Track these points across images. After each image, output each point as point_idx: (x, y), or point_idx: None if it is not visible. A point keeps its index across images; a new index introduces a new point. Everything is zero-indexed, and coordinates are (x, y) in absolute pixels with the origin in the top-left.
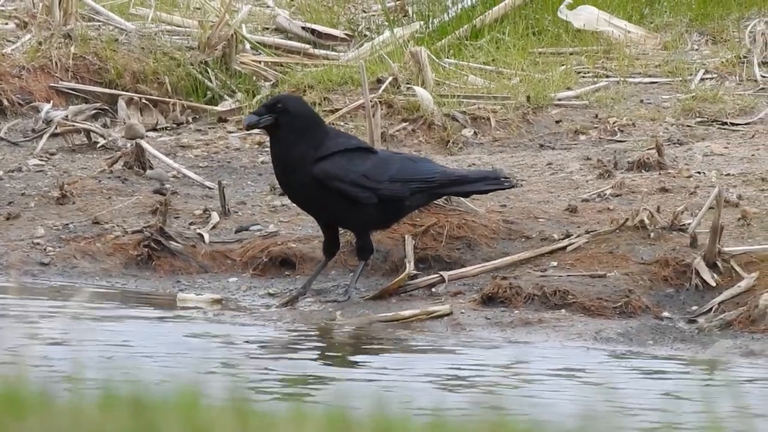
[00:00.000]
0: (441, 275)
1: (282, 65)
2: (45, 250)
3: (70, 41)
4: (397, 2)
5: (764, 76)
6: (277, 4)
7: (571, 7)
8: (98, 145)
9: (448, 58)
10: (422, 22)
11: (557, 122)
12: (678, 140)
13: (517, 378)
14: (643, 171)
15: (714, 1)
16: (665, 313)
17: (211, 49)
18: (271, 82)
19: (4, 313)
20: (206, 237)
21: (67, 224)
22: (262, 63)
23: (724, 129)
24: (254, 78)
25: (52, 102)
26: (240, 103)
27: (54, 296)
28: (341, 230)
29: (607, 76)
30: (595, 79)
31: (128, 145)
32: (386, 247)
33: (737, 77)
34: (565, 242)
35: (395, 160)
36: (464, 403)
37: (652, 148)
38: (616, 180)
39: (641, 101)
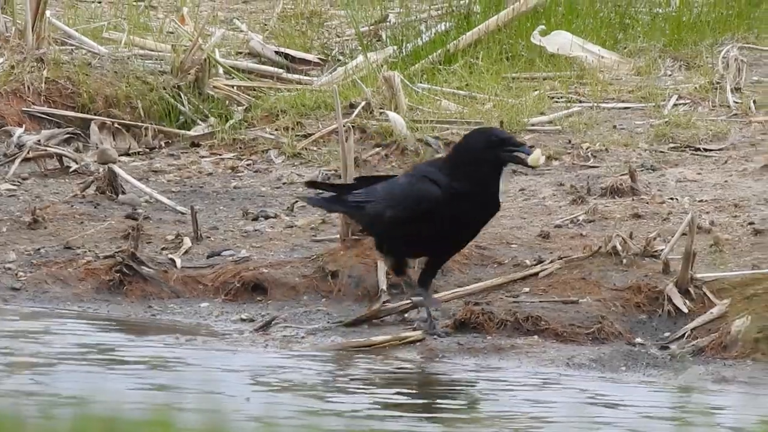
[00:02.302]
0: (413, 301)
1: (255, 90)
2: (16, 275)
3: (43, 65)
4: (371, 27)
5: (737, 102)
6: (250, 28)
7: (544, 32)
8: (70, 170)
9: (421, 82)
10: (396, 47)
11: (530, 147)
12: (651, 166)
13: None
14: (616, 197)
15: (687, 26)
16: (638, 339)
17: (184, 74)
18: (244, 107)
19: None
20: (178, 262)
21: (39, 249)
22: (235, 87)
23: (697, 155)
24: (227, 102)
25: (24, 126)
26: (213, 128)
27: (27, 319)
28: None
29: (581, 102)
30: (569, 105)
31: (100, 169)
32: (359, 273)
33: (710, 103)
34: (538, 268)
35: None
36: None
37: (625, 174)
38: (589, 206)
39: (614, 127)
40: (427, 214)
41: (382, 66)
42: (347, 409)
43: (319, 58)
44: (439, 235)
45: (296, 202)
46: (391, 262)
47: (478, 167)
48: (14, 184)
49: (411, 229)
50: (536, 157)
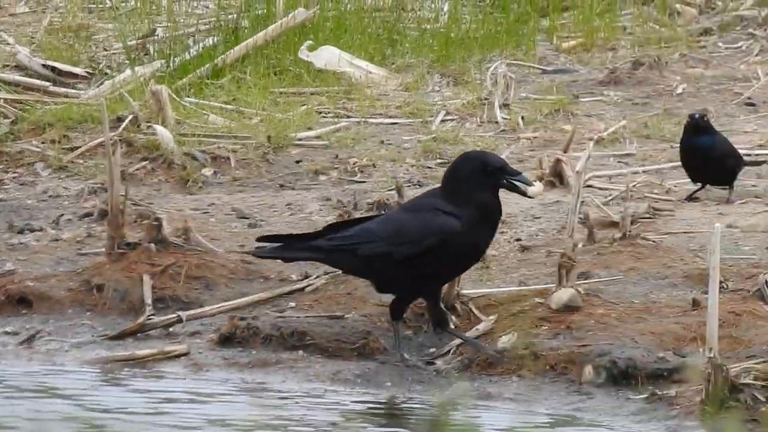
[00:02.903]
0: (179, 315)
1: (22, 102)
2: None
3: None
4: (139, 41)
5: (505, 118)
6: (17, 41)
7: (312, 47)
8: None
9: (189, 97)
10: (163, 61)
11: (297, 162)
12: (418, 181)
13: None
14: (383, 212)
15: (456, 43)
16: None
17: None
18: (11, 120)
19: None
20: None
21: None
22: (2, 100)
23: None
24: None
25: None
26: None
27: None
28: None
29: (348, 117)
30: (336, 120)
31: None
32: (124, 287)
33: (478, 119)
34: (304, 283)
35: None
36: None
37: (393, 189)
38: None
39: (382, 142)
40: (444, 247)
41: (149, 80)
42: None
43: (87, 72)
44: (452, 265)
45: (62, 215)
46: (396, 304)
47: (477, 194)
48: None
49: (424, 264)
50: (537, 190)
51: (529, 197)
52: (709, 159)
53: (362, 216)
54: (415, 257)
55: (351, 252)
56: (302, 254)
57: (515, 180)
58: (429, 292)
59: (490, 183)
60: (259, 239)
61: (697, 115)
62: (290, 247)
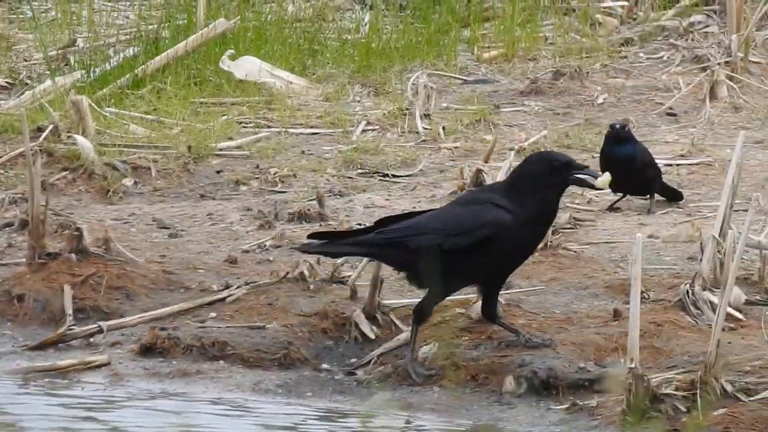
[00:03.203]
0: (99, 325)
1: None
2: None
3: None
4: (59, 51)
5: (426, 128)
6: None
7: (233, 57)
8: None
9: (109, 107)
10: (84, 71)
11: (218, 172)
12: (339, 192)
13: None
14: (304, 222)
15: (377, 53)
16: (324, 365)
17: None
18: None
19: None
20: None
21: None
22: None
23: (386, 181)
24: None
25: None
26: None
27: None
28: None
29: (269, 127)
30: (257, 130)
31: None
32: (44, 297)
33: (399, 129)
34: (225, 293)
35: None
36: None
37: (313, 200)
38: (276, 231)
39: (303, 152)
40: (494, 240)
41: (70, 90)
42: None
43: (7, 82)
44: (500, 261)
45: None
46: (429, 300)
47: (542, 191)
48: None
49: (472, 256)
50: (605, 180)
51: (599, 189)
52: (629, 169)
53: (413, 210)
54: (464, 249)
55: (401, 245)
56: (350, 249)
57: (582, 174)
58: (480, 286)
59: (557, 180)
60: (310, 236)
61: (618, 125)
62: (337, 242)
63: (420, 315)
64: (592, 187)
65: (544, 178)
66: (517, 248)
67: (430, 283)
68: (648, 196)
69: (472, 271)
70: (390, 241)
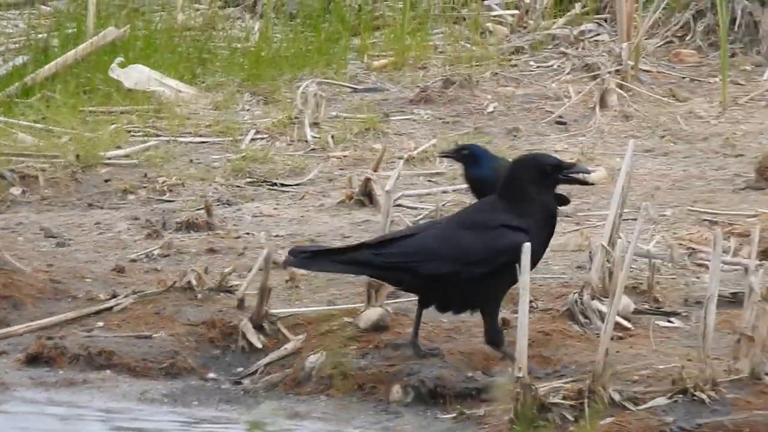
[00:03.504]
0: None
1: None
2: None
3: None
4: None
5: (315, 137)
6: None
7: (123, 65)
8: None
9: None
10: None
11: (106, 181)
12: (227, 201)
13: None
14: (191, 231)
15: (266, 61)
16: (211, 375)
17: None
18: None
19: None
20: None
21: None
22: None
23: (274, 190)
24: None
25: None
26: None
27: None
28: None
29: (158, 136)
30: (146, 139)
31: None
32: None
33: (288, 138)
34: (112, 302)
35: None
36: None
37: (201, 209)
38: (164, 240)
39: (191, 161)
40: (515, 262)
41: None
42: None
43: None
44: (513, 281)
45: None
46: (493, 320)
47: (539, 197)
48: None
49: (492, 282)
50: (599, 176)
51: (591, 184)
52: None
53: (402, 231)
54: (486, 276)
55: (409, 270)
56: (344, 268)
57: (572, 173)
58: (487, 309)
59: (549, 182)
60: (292, 252)
61: (464, 147)
62: (328, 259)
63: (499, 338)
64: (586, 183)
65: (537, 182)
66: (533, 261)
67: (486, 305)
68: None
69: (488, 293)
70: (394, 266)
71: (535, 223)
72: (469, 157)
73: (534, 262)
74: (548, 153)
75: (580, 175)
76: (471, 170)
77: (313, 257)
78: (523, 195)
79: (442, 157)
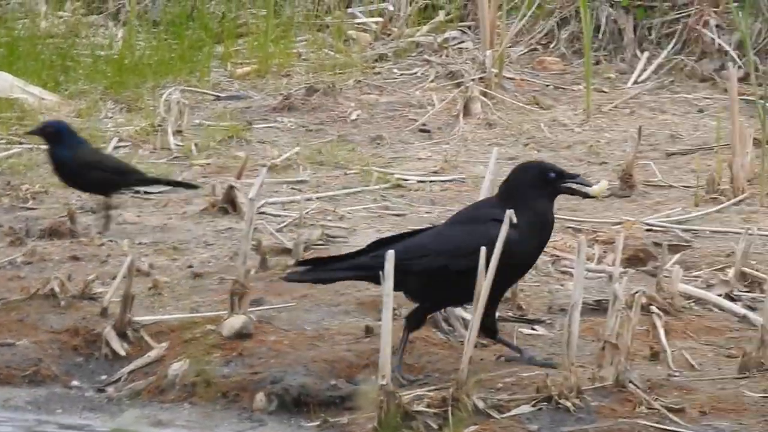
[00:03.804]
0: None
1: None
2: None
3: None
4: None
5: (179, 145)
6: None
7: None
8: None
9: None
10: None
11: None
12: (91, 208)
13: None
14: (55, 239)
15: (129, 69)
16: (75, 382)
17: None
18: None
19: None
20: None
21: None
22: None
23: (137, 197)
24: None
25: None
26: None
27: None
28: None
29: (21, 143)
30: (9, 146)
31: None
32: None
33: (151, 145)
34: None
35: None
36: None
37: (65, 216)
38: (27, 248)
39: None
40: (502, 257)
41: None
42: None
43: None
44: (503, 276)
45: None
46: (423, 310)
47: (536, 202)
48: None
49: (477, 275)
50: (601, 189)
51: (592, 197)
52: (69, 172)
53: (405, 232)
54: (472, 270)
55: (402, 267)
56: (345, 273)
57: (573, 183)
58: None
59: (549, 190)
60: (298, 263)
61: (49, 125)
62: (328, 267)
63: (413, 323)
64: (587, 195)
65: (537, 188)
66: (519, 263)
67: (438, 306)
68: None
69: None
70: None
71: (527, 226)
72: (53, 135)
73: (525, 268)
74: (550, 162)
75: (581, 187)
76: (54, 150)
77: (315, 269)
78: (520, 198)
79: (28, 134)
